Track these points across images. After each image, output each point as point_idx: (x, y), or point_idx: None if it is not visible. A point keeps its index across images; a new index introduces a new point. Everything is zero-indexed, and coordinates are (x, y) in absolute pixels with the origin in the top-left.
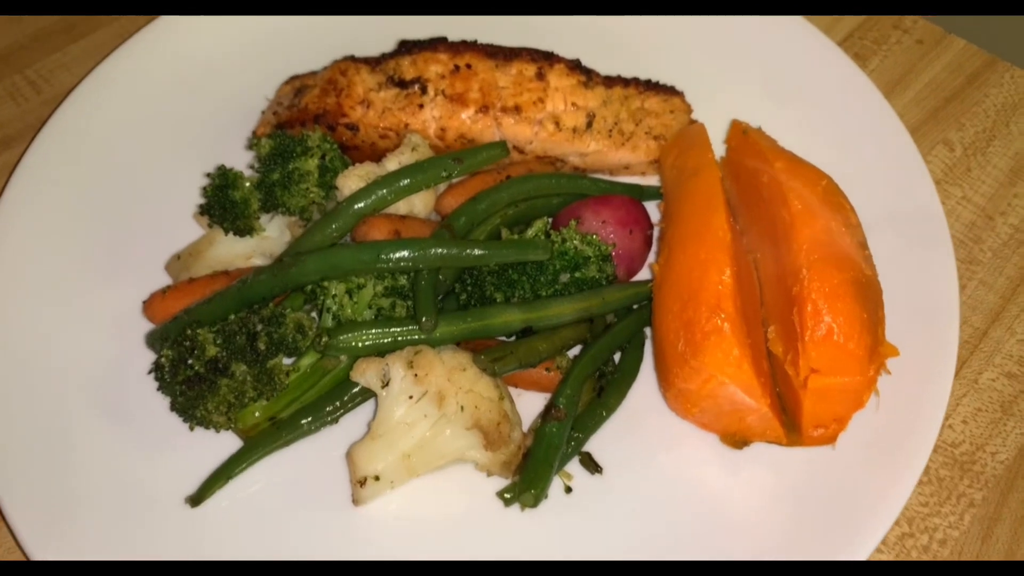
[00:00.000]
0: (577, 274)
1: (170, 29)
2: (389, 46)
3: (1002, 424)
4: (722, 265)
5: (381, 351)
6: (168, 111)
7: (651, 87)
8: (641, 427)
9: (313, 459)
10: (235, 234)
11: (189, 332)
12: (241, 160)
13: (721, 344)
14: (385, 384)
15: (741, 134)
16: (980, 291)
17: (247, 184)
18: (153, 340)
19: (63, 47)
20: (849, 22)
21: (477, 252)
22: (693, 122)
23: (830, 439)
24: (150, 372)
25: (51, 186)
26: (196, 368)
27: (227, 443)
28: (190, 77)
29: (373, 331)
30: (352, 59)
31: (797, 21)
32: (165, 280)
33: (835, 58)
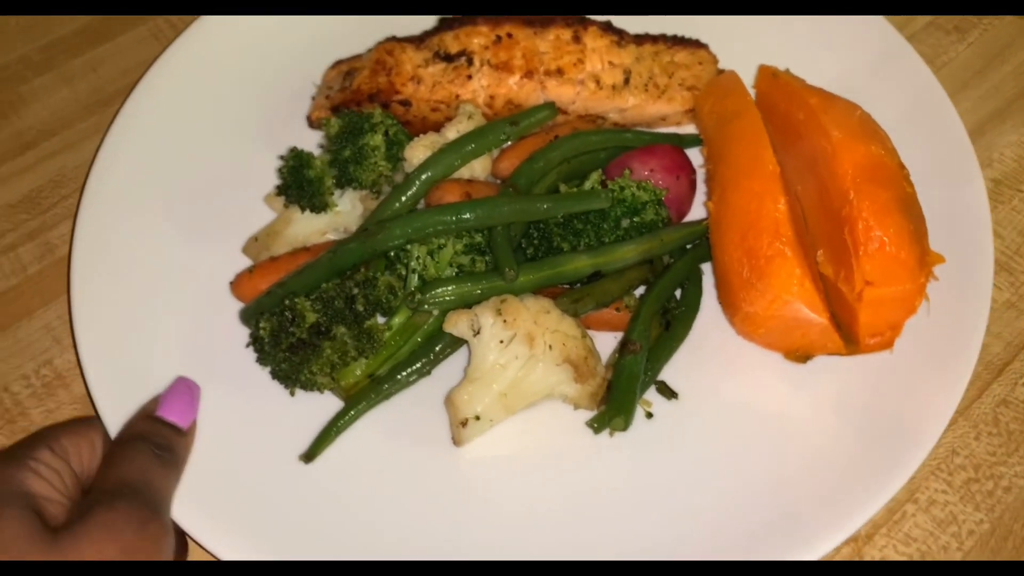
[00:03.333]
0: (636, 219)
1: (218, 26)
2: (423, 27)
3: None
4: (776, 195)
5: (468, 303)
6: (222, 106)
7: (677, 41)
8: (709, 354)
9: (412, 408)
10: (311, 211)
11: (287, 303)
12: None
13: (784, 266)
14: (476, 332)
15: (771, 76)
16: None
17: (319, 162)
18: (248, 316)
19: None
20: None
21: (546, 205)
22: (721, 71)
23: (887, 344)
24: (248, 345)
25: (129, 178)
26: (299, 335)
27: (320, 402)
28: (235, 71)
29: (460, 286)
30: (395, 39)
31: None
32: (244, 262)
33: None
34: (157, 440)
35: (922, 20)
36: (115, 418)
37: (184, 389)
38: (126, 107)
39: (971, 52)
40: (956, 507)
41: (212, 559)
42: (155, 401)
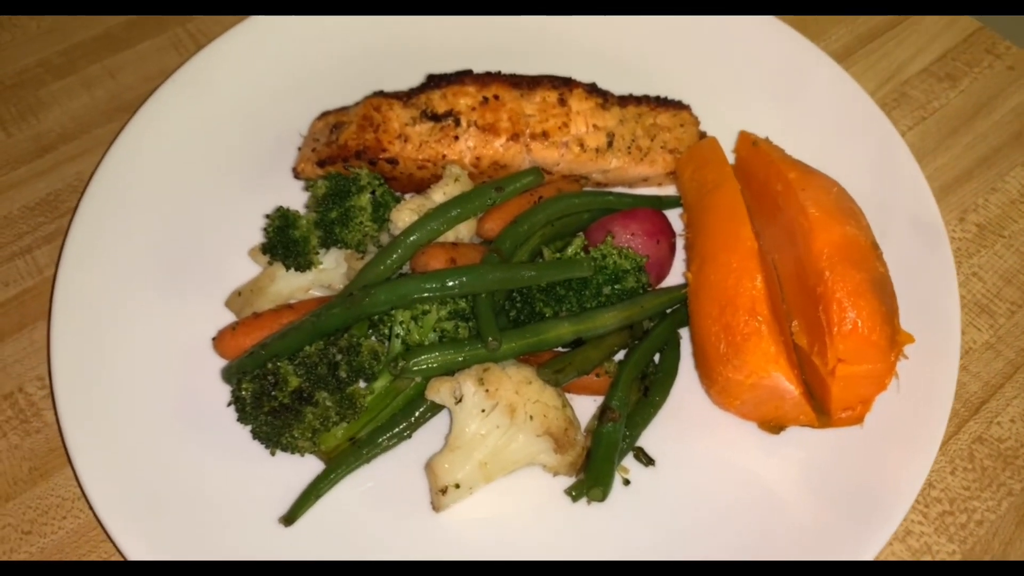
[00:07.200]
0: (617, 286)
1: (203, 74)
2: (412, 74)
3: None
4: (753, 272)
5: (451, 370)
6: (208, 154)
7: (660, 103)
8: (685, 420)
9: (392, 472)
10: (295, 269)
11: (270, 366)
12: (280, 195)
13: (760, 344)
14: (458, 400)
15: (751, 145)
16: None
17: (304, 222)
18: (230, 375)
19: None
20: (943, 43)
21: (530, 274)
22: (703, 134)
23: (858, 419)
24: (229, 404)
25: (113, 224)
26: (281, 399)
27: (302, 462)
28: (223, 118)
29: (443, 353)
30: (382, 94)
31: (773, 23)
32: (226, 315)
33: (822, 63)
34: None
35: (916, 66)
36: (92, 468)
37: None
38: (113, 150)
39: (962, 99)
40: (931, 538)
41: None
42: None
